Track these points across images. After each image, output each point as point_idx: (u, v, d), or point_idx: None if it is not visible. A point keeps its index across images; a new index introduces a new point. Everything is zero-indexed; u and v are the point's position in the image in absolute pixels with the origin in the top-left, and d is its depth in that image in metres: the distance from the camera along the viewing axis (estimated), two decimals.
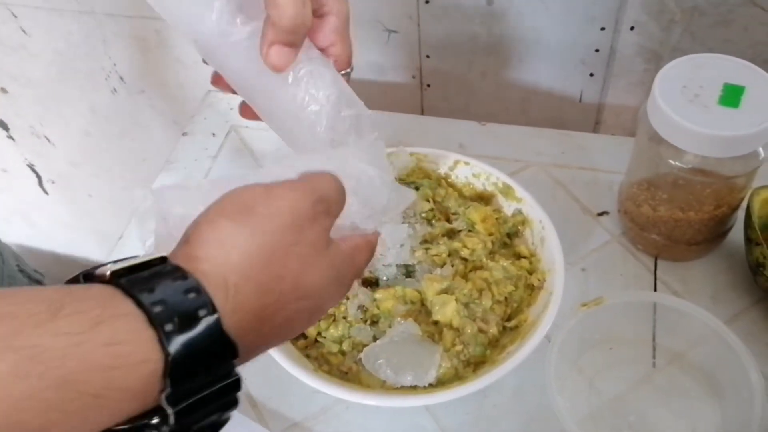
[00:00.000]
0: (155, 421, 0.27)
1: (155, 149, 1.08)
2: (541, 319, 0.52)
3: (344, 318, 0.55)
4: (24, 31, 0.98)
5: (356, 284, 0.56)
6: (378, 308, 0.55)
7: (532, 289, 0.57)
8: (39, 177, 1.22)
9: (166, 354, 0.26)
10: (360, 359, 0.54)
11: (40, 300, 0.25)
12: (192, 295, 0.28)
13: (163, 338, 0.26)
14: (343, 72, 0.47)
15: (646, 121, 0.56)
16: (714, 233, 0.60)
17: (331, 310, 0.56)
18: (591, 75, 0.79)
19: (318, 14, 0.44)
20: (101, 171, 1.17)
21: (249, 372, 0.58)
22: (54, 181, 1.23)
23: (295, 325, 0.34)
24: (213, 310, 0.28)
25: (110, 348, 0.25)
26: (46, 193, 1.25)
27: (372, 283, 0.58)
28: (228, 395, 0.29)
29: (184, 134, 0.81)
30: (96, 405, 0.25)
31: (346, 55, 0.46)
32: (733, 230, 0.62)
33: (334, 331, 0.55)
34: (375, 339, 0.55)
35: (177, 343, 0.26)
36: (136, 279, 0.28)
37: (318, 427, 0.55)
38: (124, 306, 0.26)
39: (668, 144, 0.54)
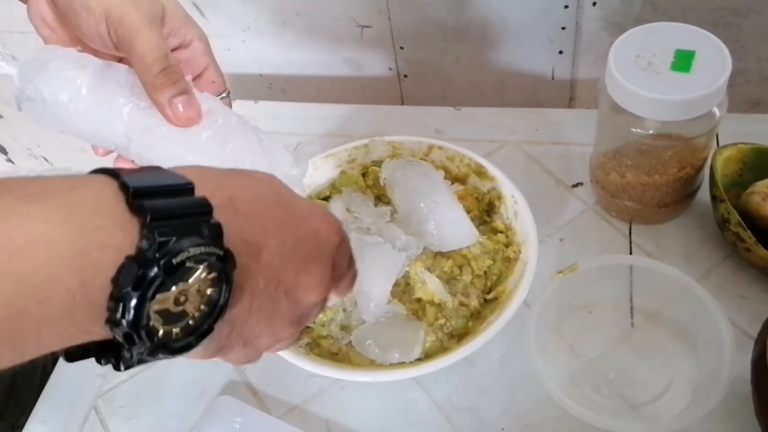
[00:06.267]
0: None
1: None
2: (518, 288, 0.55)
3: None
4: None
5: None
6: None
7: (509, 262, 0.60)
8: None
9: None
10: (350, 341, 0.57)
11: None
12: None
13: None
14: (222, 95, 0.49)
15: (606, 92, 0.58)
16: (682, 194, 0.63)
17: None
18: (560, 52, 0.81)
19: (183, 45, 0.47)
20: None
21: None
22: None
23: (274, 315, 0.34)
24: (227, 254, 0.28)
25: None
26: None
27: None
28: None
29: None
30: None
31: (220, 76, 0.48)
32: (701, 190, 0.64)
33: (323, 316, 0.57)
34: (363, 321, 0.57)
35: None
36: (163, 224, 0.26)
37: (315, 408, 0.58)
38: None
39: (627, 113, 0.56)
